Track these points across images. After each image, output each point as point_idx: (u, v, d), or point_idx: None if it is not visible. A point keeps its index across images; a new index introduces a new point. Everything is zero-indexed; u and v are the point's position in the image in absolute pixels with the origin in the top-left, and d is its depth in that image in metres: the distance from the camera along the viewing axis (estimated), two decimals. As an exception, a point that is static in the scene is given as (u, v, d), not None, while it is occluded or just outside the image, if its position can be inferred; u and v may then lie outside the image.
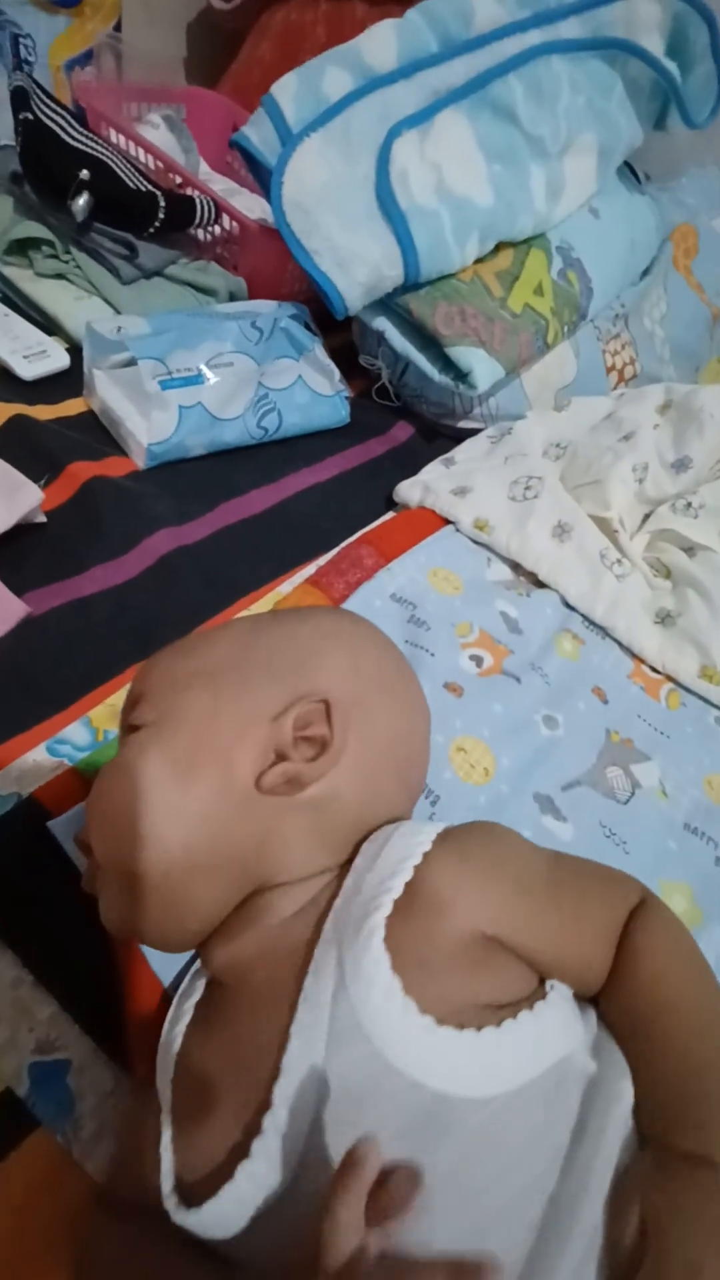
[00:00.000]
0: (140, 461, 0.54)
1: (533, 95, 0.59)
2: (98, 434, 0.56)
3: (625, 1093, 0.23)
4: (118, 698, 0.41)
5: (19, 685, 0.40)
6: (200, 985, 0.28)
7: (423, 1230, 0.19)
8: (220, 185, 0.81)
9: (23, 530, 0.46)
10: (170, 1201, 0.22)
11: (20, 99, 0.56)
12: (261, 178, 0.61)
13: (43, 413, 0.55)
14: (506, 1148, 0.21)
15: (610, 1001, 0.26)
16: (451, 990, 0.23)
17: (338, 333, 0.70)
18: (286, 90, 0.57)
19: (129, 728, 0.28)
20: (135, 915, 0.26)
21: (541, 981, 0.25)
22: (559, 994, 0.25)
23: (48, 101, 0.58)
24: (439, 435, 0.70)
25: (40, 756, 0.38)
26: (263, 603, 0.49)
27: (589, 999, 0.27)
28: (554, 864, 0.28)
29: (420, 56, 0.58)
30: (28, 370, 0.56)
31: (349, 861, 0.27)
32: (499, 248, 0.62)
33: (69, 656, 0.42)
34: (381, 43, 0.58)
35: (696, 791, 0.45)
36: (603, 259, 0.69)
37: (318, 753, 0.27)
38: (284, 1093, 0.22)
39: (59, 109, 0.59)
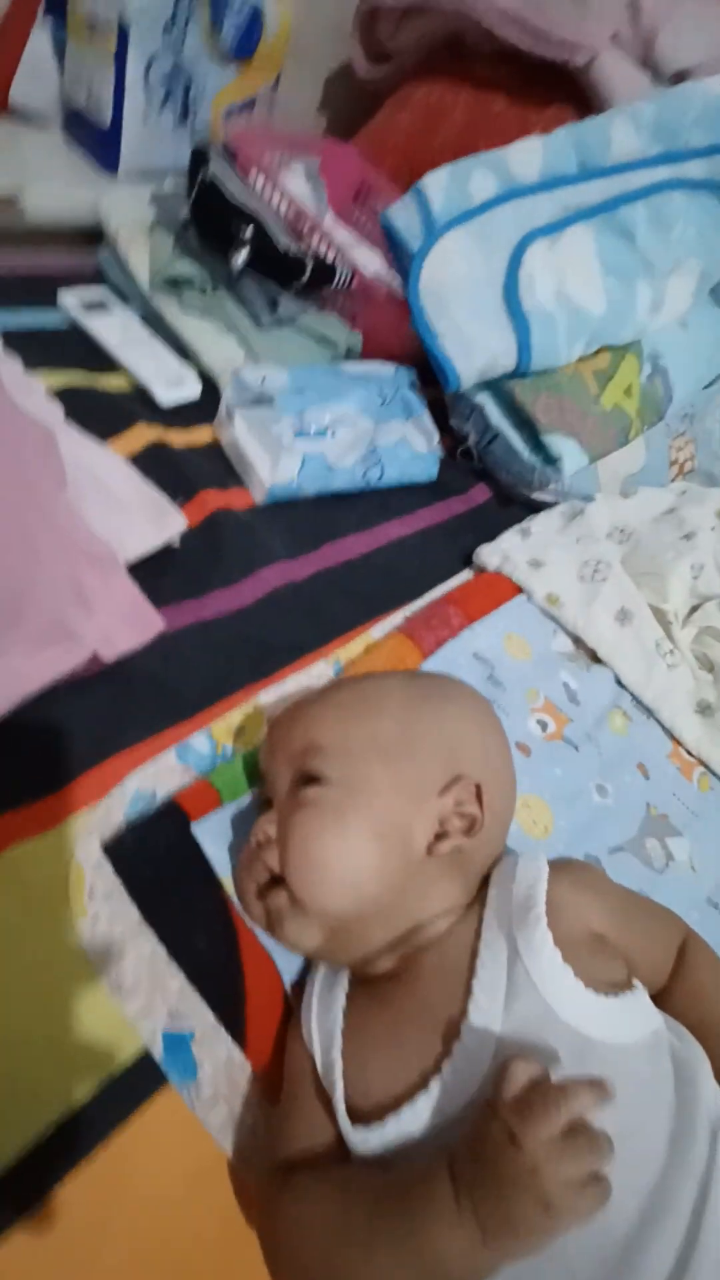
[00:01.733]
0: (259, 497, 0.60)
1: (653, 223, 0.65)
2: (221, 465, 0.62)
3: (704, 1060, 0.31)
4: (233, 715, 0.46)
5: (150, 693, 0.45)
6: (342, 979, 0.34)
7: None
8: (342, 235, 0.87)
9: (160, 550, 0.52)
10: (344, 1122, 0.29)
11: (199, 158, 0.61)
12: (398, 253, 0.67)
13: (176, 438, 0.61)
14: (633, 1084, 0.28)
15: (678, 997, 0.35)
16: (587, 966, 0.30)
17: (428, 389, 0.76)
18: (437, 183, 0.64)
19: (307, 775, 0.34)
20: (322, 943, 0.32)
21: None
22: (639, 987, 0.32)
23: (220, 158, 0.63)
24: (512, 502, 0.76)
25: (171, 760, 0.43)
26: (355, 642, 0.55)
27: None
28: (629, 892, 0.38)
29: (560, 174, 0.64)
30: (167, 396, 0.62)
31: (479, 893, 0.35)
32: (599, 349, 0.69)
33: (193, 671, 0.48)
34: (528, 156, 0.64)
35: None
36: (685, 368, 0.75)
37: (469, 826, 0.34)
38: (470, 1028, 0.29)
39: (226, 165, 0.65)
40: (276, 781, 0.36)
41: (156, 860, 0.37)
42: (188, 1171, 0.31)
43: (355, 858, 0.32)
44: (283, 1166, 0.30)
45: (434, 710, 0.37)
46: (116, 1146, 0.31)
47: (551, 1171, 0.24)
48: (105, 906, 0.36)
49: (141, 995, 0.35)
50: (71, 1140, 0.30)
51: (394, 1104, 0.29)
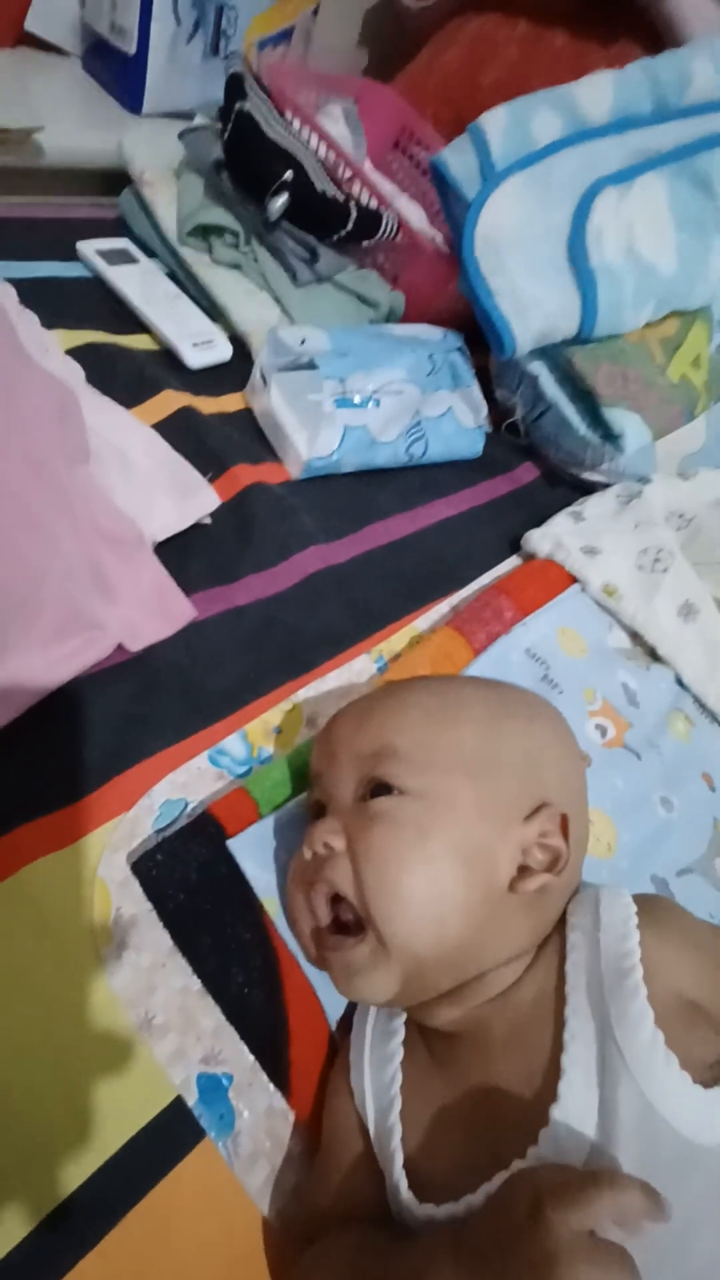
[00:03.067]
0: (294, 472, 0.55)
1: (734, 172, 0.59)
2: (253, 435, 0.57)
3: None
4: (270, 715, 0.42)
5: (179, 690, 0.41)
6: (397, 1026, 0.30)
7: (658, 1265, 0.22)
8: (384, 185, 0.80)
9: (188, 529, 0.47)
10: (406, 1196, 0.26)
11: (235, 88, 0.55)
12: (449, 202, 0.61)
13: (205, 405, 0.56)
14: None
15: None
16: (684, 1045, 0.26)
17: (474, 357, 0.70)
18: (496, 123, 0.57)
19: (379, 783, 0.30)
20: (388, 987, 0.28)
21: None
22: None
23: (257, 91, 0.57)
24: (561, 482, 0.71)
25: (203, 765, 0.39)
26: (399, 635, 0.50)
27: None
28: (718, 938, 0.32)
29: (633, 114, 0.58)
30: (195, 359, 0.57)
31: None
32: (666, 315, 0.63)
33: (223, 666, 0.43)
34: (598, 93, 0.57)
35: (790, 892, 0.47)
36: (755, 338, 0.69)
37: (552, 861, 0.30)
38: (565, 1110, 0.25)
39: (263, 99, 0.58)
40: (337, 786, 0.31)
41: (189, 880, 0.33)
42: (226, 1244, 0.28)
43: (442, 886, 0.27)
44: (313, 1226, 0.27)
45: (519, 727, 0.32)
46: (145, 1214, 0.27)
47: (568, 1270, 0.20)
48: (132, 933, 0.32)
49: (173, 1035, 0.31)
50: (95, 1208, 0.27)
51: (468, 1184, 0.25)
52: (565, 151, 0.57)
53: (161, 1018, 0.31)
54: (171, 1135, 0.29)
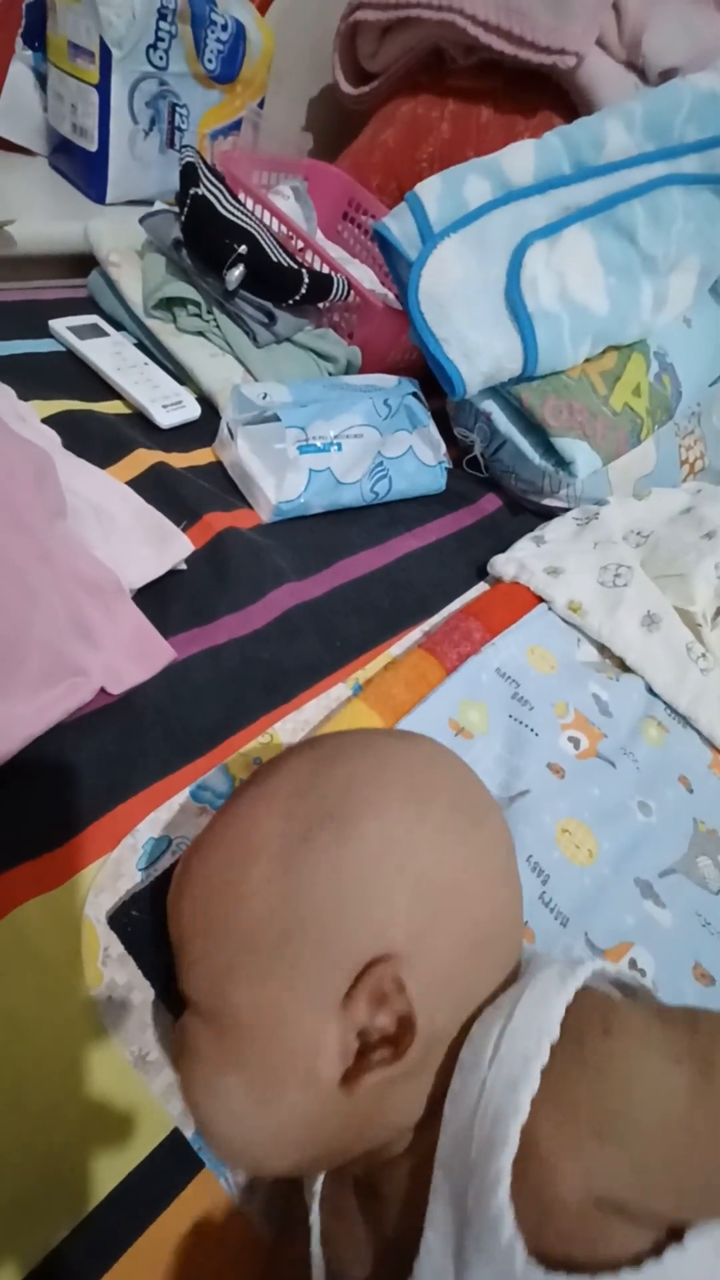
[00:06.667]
0: (265, 516, 0.57)
1: (652, 219, 0.64)
2: (225, 485, 0.60)
3: None
4: (250, 747, 0.44)
5: (161, 729, 0.43)
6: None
7: None
8: (333, 252, 0.86)
9: (165, 575, 0.49)
10: None
11: (190, 175, 0.60)
12: (393, 263, 0.65)
13: (177, 460, 0.59)
14: None
15: None
16: (570, 1249, 0.20)
17: (431, 400, 0.74)
18: (431, 191, 0.62)
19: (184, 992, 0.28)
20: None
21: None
22: (702, 1238, 0.20)
23: (209, 176, 0.62)
24: (523, 510, 0.74)
25: (185, 801, 0.40)
26: (376, 663, 0.52)
27: None
28: (692, 1093, 0.22)
29: (554, 176, 0.63)
30: (166, 419, 0.60)
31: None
32: (605, 350, 0.67)
33: (204, 703, 0.45)
34: (521, 160, 0.63)
35: (774, 887, 0.48)
36: (691, 365, 0.74)
37: (400, 1029, 0.24)
38: None
39: (216, 183, 0.63)
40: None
41: (166, 931, 0.34)
42: (229, 1270, 0.28)
43: (239, 1128, 0.25)
44: None
45: (328, 850, 0.25)
46: (149, 1245, 0.27)
47: None
48: (122, 971, 0.33)
49: (169, 1070, 0.31)
50: (99, 1242, 0.27)
51: None
52: (496, 212, 0.62)
53: (155, 1054, 0.31)
54: (169, 1168, 0.29)
